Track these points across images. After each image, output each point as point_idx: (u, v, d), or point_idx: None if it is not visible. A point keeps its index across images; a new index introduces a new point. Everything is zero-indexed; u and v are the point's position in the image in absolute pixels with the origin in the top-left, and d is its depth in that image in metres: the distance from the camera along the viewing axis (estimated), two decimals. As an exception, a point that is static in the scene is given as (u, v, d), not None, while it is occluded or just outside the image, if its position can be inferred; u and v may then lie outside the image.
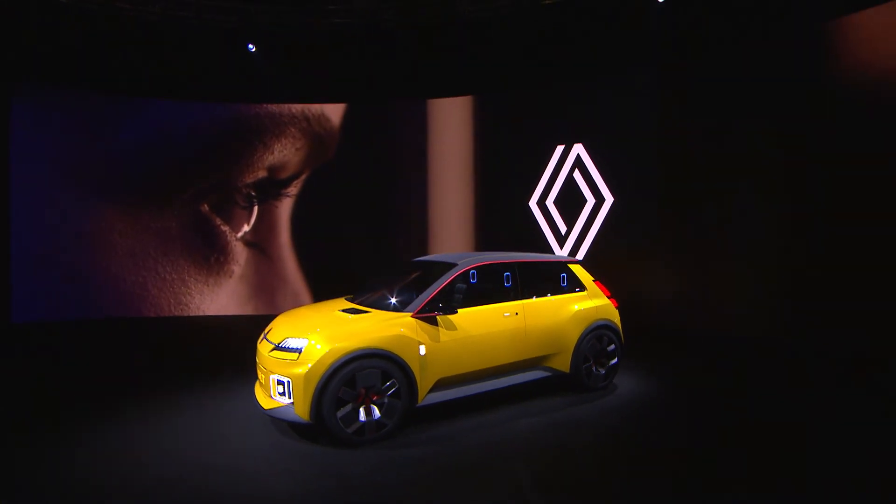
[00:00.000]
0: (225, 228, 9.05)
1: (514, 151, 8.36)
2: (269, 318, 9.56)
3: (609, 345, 4.37)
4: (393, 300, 3.76)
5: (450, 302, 3.58)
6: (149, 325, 8.13)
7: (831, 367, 5.02)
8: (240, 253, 9.09)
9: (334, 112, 9.13)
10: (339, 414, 3.16)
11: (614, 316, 4.47)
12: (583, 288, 4.41)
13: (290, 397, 3.14)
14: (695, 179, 6.89)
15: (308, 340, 3.22)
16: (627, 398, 4.18)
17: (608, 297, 4.53)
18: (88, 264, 8.53)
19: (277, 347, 3.34)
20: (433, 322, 3.52)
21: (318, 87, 9.09)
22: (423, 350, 3.43)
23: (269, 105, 9.07)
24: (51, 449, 3.25)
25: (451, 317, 3.56)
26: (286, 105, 9.08)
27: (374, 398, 3.27)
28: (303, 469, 2.96)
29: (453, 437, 3.39)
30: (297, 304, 9.09)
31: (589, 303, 4.34)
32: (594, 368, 4.30)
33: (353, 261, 9.01)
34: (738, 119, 6.45)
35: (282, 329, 3.53)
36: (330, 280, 9.03)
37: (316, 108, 9.10)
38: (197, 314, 8.97)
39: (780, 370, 4.98)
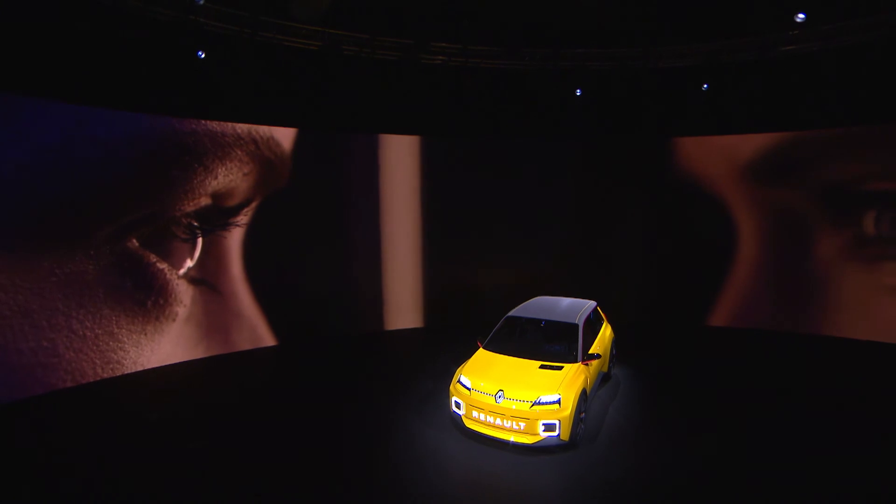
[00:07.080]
0: (162, 266, 7.73)
1: (455, 188, 10.12)
2: (228, 358, 8.70)
3: (613, 349, 7.45)
4: (552, 351, 5.83)
5: (587, 349, 5.93)
6: (79, 396, 6.72)
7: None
8: (184, 292, 7.97)
9: (285, 136, 8.80)
10: (578, 430, 5.18)
11: (612, 333, 7.55)
12: (603, 321, 7.31)
13: (556, 430, 4.90)
14: (596, 225, 10.47)
15: (558, 395, 5.02)
16: (624, 375, 7.42)
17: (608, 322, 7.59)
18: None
19: (537, 403, 4.95)
20: (587, 364, 5.79)
21: (266, 106, 8.49)
22: (588, 381, 5.67)
23: (208, 122, 8.01)
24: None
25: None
26: (229, 123, 8.21)
27: (581, 414, 5.36)
28: (558, 467, 4.89)
29: (602, 421, 5.83)
30: (255, 339, 8.72)
31: (608, 329, 7.21)
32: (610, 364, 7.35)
33: (311, 290, 9.17)
34: (614, 185, 10.34)
35: (515, 390, 5.11)
36: (289, 309, 8.96)
37: (264, 129, 8.57)
38: (134, 370, 7.53)
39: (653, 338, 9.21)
